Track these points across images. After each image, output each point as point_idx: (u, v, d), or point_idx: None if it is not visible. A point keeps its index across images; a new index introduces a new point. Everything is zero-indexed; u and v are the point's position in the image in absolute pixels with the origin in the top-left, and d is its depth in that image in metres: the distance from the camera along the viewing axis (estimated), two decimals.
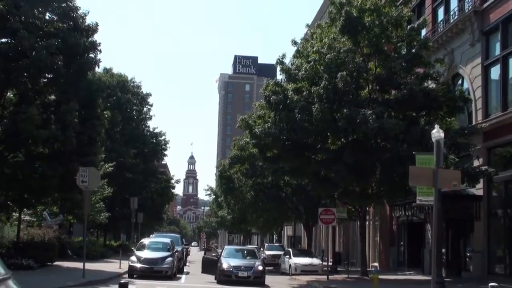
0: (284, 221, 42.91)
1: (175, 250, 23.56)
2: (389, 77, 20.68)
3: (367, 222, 28.68)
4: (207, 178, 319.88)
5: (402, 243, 29.36)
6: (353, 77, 20.60)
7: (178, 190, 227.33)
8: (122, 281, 10.47)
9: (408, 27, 22.10)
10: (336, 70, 20.58)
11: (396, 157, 19.61)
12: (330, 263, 27.88)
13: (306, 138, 21.76)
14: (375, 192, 22.47)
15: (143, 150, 47.53)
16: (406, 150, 18.82)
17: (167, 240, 24.53)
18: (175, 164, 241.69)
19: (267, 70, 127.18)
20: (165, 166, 78.30)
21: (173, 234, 35.95)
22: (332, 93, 20.06)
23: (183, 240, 37.18)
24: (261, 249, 41.88)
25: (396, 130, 18.66)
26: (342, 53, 21.05)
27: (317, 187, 23.79)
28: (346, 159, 20.15)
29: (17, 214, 24.76)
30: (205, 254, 23.24)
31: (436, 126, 13.75)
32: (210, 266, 21.75)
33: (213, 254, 22.98)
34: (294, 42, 23.30)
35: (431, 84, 21.60)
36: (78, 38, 20.73)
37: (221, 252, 22.83)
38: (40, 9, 20.67)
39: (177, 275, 23.21)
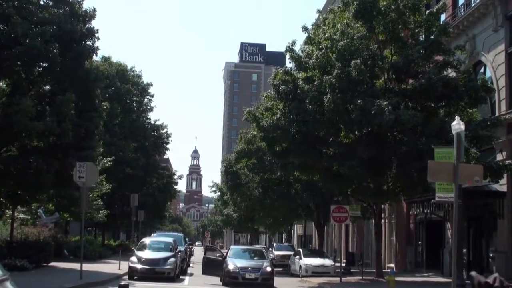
0: (294, 219, 42.96)
1: (178, 250, 23.65)
2: (406, 66, 20.59)
3: (382, 221, 28.66)
4: (212, 174, 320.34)
5: (420, 242, 29.33)
6: (367, 66, 20.53)
7: (181, 186, 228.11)
8: (122, 283, 10.54)
9: (427, 11, 21.97)
10: (349, 58, 20.52)
11: (413, 151, 19.56)
12: (343, 264, 27.91)
13: (317, 131, 21.73)
14: (391, 189, 22.45)
15: (144, 143, 47.66)
16: (424, 143, 18.77)
17: (170, 240, 24.62)
18: (177, 158, 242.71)
19: (276, 58, 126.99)
20: (167, 161, 78.58)
21: (175, 233, 36.14)
22: (345, 82, 20.01)
23: (186, 239, 37.34)
24: (270, 249, 41.99)
25: (413, 122, 18.60)
26: (356, 40, 20.98)
27: (329, 183, 23.79)
28: (360, 153, 20.13)
29: (10, 212, 24.93)
30: (205, 253, 23.18)
31: (457, 117, 13.71)
32: (212, 266, 21.78)
33: (218, 255, 23.02)
34: (305, 28, 23.23)
35: (451, 73, 21.49)
36: (75, 25, 20.77)
37: (227, 252, 22.88)
38: None
39: (180, 277, 23.31)
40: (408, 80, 21.82)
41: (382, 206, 25.99)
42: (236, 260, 21.17)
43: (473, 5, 23.49)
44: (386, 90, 21.24)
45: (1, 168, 20.90)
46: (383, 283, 19.90)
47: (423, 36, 21.66)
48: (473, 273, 6.16)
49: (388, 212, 32.94)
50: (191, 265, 33.73)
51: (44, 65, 20.99)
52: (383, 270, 24.77)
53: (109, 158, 33.34)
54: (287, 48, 22.68)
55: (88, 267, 21.97)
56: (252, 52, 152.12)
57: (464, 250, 21.75)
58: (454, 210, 12.00)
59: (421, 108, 20.50)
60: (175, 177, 54.90)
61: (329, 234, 46.01)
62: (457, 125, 13.12)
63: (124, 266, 23.45)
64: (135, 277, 20.83)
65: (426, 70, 20.54)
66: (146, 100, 49.98)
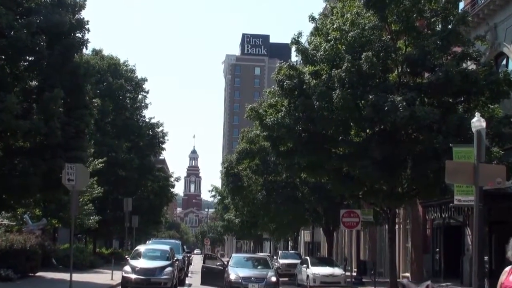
0: (300, 225, 42.96)
1: (175, 258, 23.68)
2: (422, 58, 20.55)
3: (396, 226, 28.62)
4: (212, 176, 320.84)
5: (437, 250, 29.28)
6: (379, 58, 20.50)
7: (178, 189, 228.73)
8: None
9: None
10: (360, 50, 20.49)
11: (430, 150, 19.52)
12: (354, 274, 27.89)
13: (325, 129, 21.71)
14: (406, 191, 22.42)
15: (138, 143, 47.73)
16: (441, 142, 18.73)
17: (166, 248, 24.63)
18: (174, 159, 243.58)
19: (280, 51, 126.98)
20: (163, 162, 78.56)
21: (172, 241, 36.10)
22: (355, 76, 20.00)
23: (184, 247, 37.37)
24: (274, 257, 42.00)
25: (430, 119, 18.57)
26: (367, 30, 20.94)
27: (339, 185, 23.77)
28: (372, 153, 20.11)
29: None
30: (205, 262, 23.16)
31: (477, 114, 13.65)
32: (212, 276, 21.76)
33: (218, 264, 23.02)
34: (312, 18, 23.20)
35: (470, 65, 21.44)
36: (63, 15, 20.83)
37: (228, 261, 22.90)
38: None
39: None
40: (424, 74, 21.78)
41: (396, 210, 25.95)
42: (238, 270, 21.17)
43: None
44: (400, 84, 21.20)
45: None
46: None
47: (440, 26, 21.60)
48: (404, 281, 6.21)
49: (403, 216, 32.90)
50: (189, 275, 33.77)
51: (30, 59, 21.05)
52: (398, 280, 24.75)
53: (100, 159, 33.40)
54: (293, 39, 22.65)
55: (78, 277, 22.00)
56: (255, 44, 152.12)
57: (486, 257, 21.68)
58: (475, 215, 11.97)
59: (438, 103, 20.46)
60: (172, 179, 54.95)
61: (339, 241, 45.99)
62: (478, 122, 13.08)
63: (117, 276, 23.48)
64: None
65: (443, 63, 20.49)
66: (140, 96, 50.05)
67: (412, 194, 22.84)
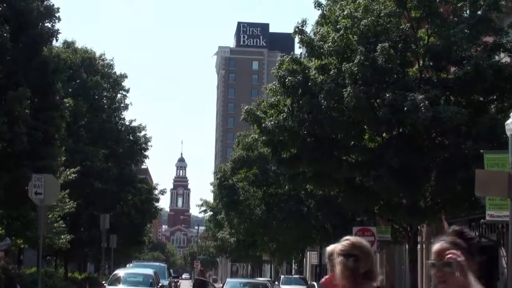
0: (306, 244, 42.92)
1: (160, 284, 23.65)
2: (447, 49, 20.57)
3: (418, 246, 28.55)
4: (203, 188, 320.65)
5: None
6: (397, 50, 20.53)
7: (164, 204, 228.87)
8: None
9: None
10: (374, 41, 20.51)
11: (457, 157, 19.52)
12: None
13: (334, 133, 21.70)
14: (429, 205, 22.39)
15: (117, 150, 47.72)
16: (471, 147, 18.73)
17: (149, 272, 24.61)
18: (159, 169, 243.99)
19: (282, 42, 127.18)
20: (146, 171, 78.58)
21: (157, 263, 36.12)
22: (369, 71, 20.00)
23: (171, 271, 37.36)
24: (276, 282, 41.95)
25: (457, 120, 18.56)
26: (383, 18, 20.97)
27: (351, 198, 23.75)
28: (390, 160, 20.08)
29: None
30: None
31: None
32: None
33: None
34: (318, 4, 23.23)
35: (504, 58, 21.46)
36: (30, 2, 20.82)
37: (222, 287, 22.89)
38: None
39: None
40: (450, 68, 21.80)
41: (418, 227, 25.92)
42: None
43: None
44: (422, 80, 21.21)
45: None
46: None
47: (467, 12, 21.63)
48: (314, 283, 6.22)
49: (426, 235, 32.85)
50: None
51: None
52: None
53: (73, 169, 33.31)
54: (296, 29, 22.67)
55: None
56: (252, 34, 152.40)
57: None
58: (510, 232, 11.95)
59: (467, 103, 20.46)
60: (156, 192, 55.03)
61: None
62: None
63: None
64: None
65: (472, 55, 20.52)
66: (119, 95, 50.13)
67: (437, 209, 22.79)
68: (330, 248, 4.08)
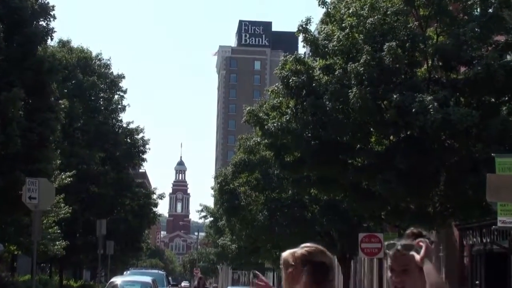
0: None
1: None
2: (457, 49, 20.54)
3: None
4: (203, 193, 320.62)
5: (477, 282, 29.18)
6: (405, 49, 20.50)
7: (163, 209, 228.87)
8: None
9: None
10: (381, 40, 20.50)
11: (467, 160, 19.49)
12: None
13: (340, 136, 21.68)
14: (438, 211, 22.37)
15: (114, 153, 47.75)
16: (481, 150, 18.70)
17: (147, 280, 24.62)
18: (158, 173, 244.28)
19: (285, 41, 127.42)
20: (144, 175, 78.62)
21: (155, 271, 36.13)
22: (376, 71, 19.99)
23: (170, 278, 37.37)
24: None
25: (467, 122, 18.53)
26: (390, 16, 20.97)
27: (356, 203, 23.73)
28: (397, 164, 20.07)
29: None
30: None
31: None
32: None
33: None
34: (323, 2, 23.24)
35: None
36: (24, 0, 20.84)
37: None
38: None
39: None
40: (460, 68, 21.78)
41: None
42: None
43: None
44: (430, 81, 21.20)
45: None
46: None
47: (478, 10, 21.61)
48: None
49: (435, 242, 32.83)
50: None
51: None
52: None
53: (68, 173, 33.33)
54: (300, 27, 22.67)
55: None
56: (254, 33, 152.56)
57: None
58: None
59: (477, 104, 20.43)
60: (155, 196, 54.89)
61: (357, 272, 45.88)
62: None
63: None
64: None
65: (483, 55, 20.50)
66: (116, 96, 50.16)
67: (446, 215, 22.76)
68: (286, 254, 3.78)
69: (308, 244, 3.77)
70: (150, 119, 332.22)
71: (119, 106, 50.21)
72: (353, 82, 20.24)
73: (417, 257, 3.90)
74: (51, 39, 23.64)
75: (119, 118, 50.55)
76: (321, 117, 21.01)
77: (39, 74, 23.15)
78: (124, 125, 50.74)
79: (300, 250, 3.71)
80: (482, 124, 19.25)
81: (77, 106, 41.56)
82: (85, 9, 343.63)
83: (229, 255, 60.05)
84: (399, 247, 3.96)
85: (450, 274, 31.30)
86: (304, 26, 22.64)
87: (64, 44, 47.65)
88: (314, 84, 21.56)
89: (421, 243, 3.92)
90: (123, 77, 50.04)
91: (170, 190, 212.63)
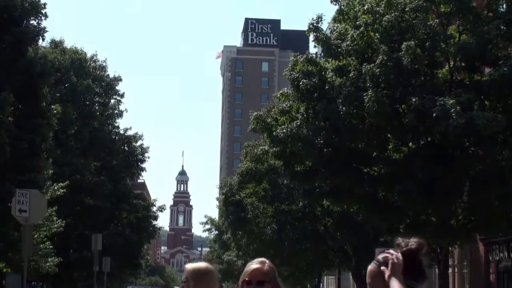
0: (323, 268, 42.79)
1: None
2: (481, 48, 20.54)
3: (450, 270, 28.41)
4: (206, 204, 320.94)
5: None
6: (425, 49, 20.51)
7: (163, 222, 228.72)
8: None
9: None
10: (399, 39, 20.51)
11: (493, 169, 19.43)
12: None
13: (354, 143, 21.67)
14: (461, 224, 22.31)
15: (110, 162, 47.82)
16: (508, 158, 18.65)
17: None
18: (157, 183, 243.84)
19: (294, 40, 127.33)
20: (143, 186, 78.73)
21: None
22: (393, 73, 20.00)
23: None
24: None
25: (492, 128, 18.51)
26: (408, 13, 20.98)
27: (373, 216, 23.69)
28: (417, 173, 20.04)
29: None
30: None
31: None
32: None
33: None
34: None
35: None
36: None
37: None
38: None
39: None
40: (484, 69, 21.76)
41: (450, 249, 25.82)
42: None
43: None
44: (453, 83, 21.19)
45: None
46: None
47: (504, 6, 21.61)
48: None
49: (458, 257, 32.73)
50: None
51: None
52: None
53: (61, 184, 33.38)
54: (311, 26, 22.70)
55: None
56: (262, 32, 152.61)
57: None
58: None
59: (504, 108, 20.40)
60: (154, 209, 54.94)
61: None
62: None
63: None
64: None
65: (509, 54, 20.49)
66: (113, 101, 50.27)
67: (470, 228, 22.70)
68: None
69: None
70: (149, 126, 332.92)
71: (116, 111, 50.30)
72: (368, 84, 20.24)
73: (387, 273, 3.93)
74: (43, 39, 23.76)
75: (116, 124, 50.69)
76: (334, 123, 21.00)
77: (29, 77, 23.22)
78: (121, 132, 50.87)
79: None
80: (509, 130, 19.23)
81: (71, 112, 41.63)
82: (79, 6, 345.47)
83: (235, 272, 59.94)
84: (374, 263, 4.05)
85: None
86: (315, 24, 22.67)
87: (56, 44, 47.76)
88: (326, 87, 21.56)
89: (387, 258, 3.93)
90: (120, 79, 50.16)
91: (171, 202, 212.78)
